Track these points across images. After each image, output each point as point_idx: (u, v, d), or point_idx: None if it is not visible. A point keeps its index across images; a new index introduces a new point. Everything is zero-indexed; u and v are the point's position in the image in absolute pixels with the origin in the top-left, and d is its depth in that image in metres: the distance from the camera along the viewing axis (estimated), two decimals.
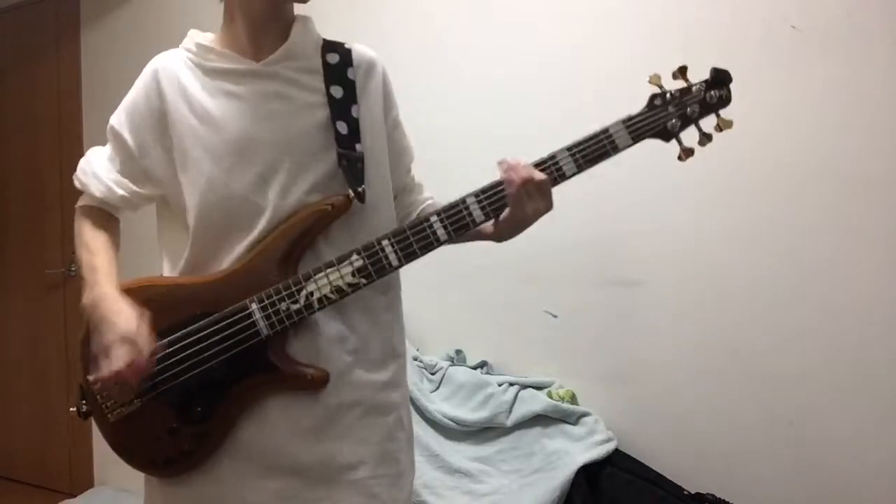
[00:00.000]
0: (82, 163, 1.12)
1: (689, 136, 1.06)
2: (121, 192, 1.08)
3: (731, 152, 1.73)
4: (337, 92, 1.06)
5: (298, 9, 1.10)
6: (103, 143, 1.14)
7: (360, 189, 1.02)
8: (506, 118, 2.01)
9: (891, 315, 1.59)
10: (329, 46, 1.11)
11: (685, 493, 1.69)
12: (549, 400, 1.84)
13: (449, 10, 2.13)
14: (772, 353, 1.70)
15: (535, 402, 1.83)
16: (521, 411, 1.82)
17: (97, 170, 1.10)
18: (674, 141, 1.06)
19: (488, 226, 1.07)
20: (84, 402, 1.03)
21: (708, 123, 1.06)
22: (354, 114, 1.06)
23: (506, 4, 2.05)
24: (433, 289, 2.14)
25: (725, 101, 1.06)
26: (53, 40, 3.04)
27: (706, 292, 1.78)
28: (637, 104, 1.05)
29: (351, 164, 1.04)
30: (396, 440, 1.10)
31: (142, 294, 1.00)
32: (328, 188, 1.03)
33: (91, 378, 0.95)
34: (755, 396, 1.72)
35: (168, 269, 1.10)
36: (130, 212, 1.15)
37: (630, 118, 1.04)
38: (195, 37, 1.09)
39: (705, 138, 1.06)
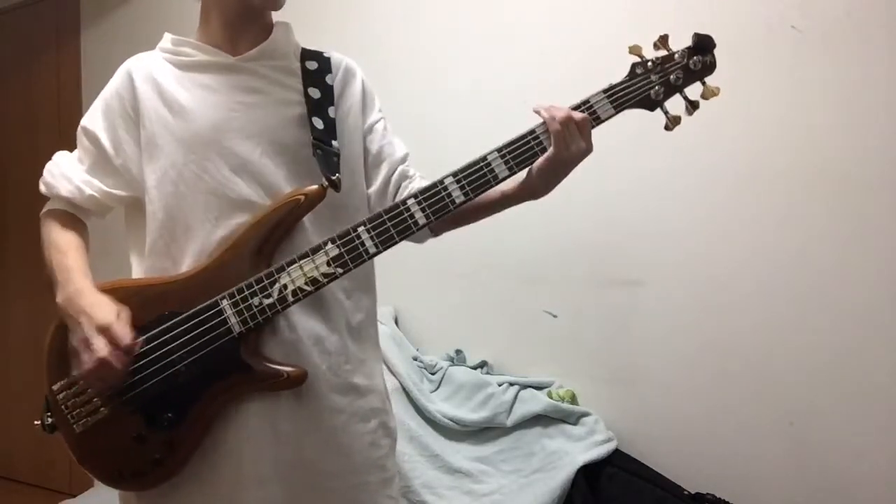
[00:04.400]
0: (49, 166, 1.09)
1: (677, 106, 1.03)
2: (90, 191, 1.05)
3: (732, 153, 1.73)
4: (314, 93, 1.06)
5: (279, 16, 1.11)
6: None
7: (334, 177, 1.00)
8: (499, 123, 2.01)
9: (891, 316, 1.59)
10: (308, 55, 1.12)
11: (685, 492, 1.69)
12: (549, 400, 1.84)
13: (441, 18, 2.13)
14: (772, 354, 1.70)
15: (535, 403, 1.83)
16: (521, 411, 1.82)
17: (65, 171, 1.07)
18: (659, 111, 1.03)
19: (514, 188, 1.04)
20: (49, 414, 0.98)
21: (694, 92, 1.02)
22: (332, 114, 1.06)
23: (499, 11, 2.04)
24: (433, 289, 2.14)
25: (710, 67, 1.02)
26: (53, 40, 3.04)
27: (707, 293, 1.77)
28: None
29: (326, 156, 1.02)
30: (380, 447, 1.08)
31: (112, 297, 0.96)
32: (301, 180, 1.02)
33: (76, 374, 0.91)
34: (755, 397, 1.72)
35: (137, 273, 1.07)
36: (98, 217, 1.12)
37: (611, 87, 1.01)
38: (171, 36, 1.10)
39: (692, 107, 1.02)
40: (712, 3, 1.76)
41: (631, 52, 1.01)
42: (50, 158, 1.11)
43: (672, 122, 1.03)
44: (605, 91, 1.00)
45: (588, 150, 0.98)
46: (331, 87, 1.09)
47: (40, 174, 1.10)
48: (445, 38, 2.13)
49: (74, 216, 1.09)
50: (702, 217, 1.78)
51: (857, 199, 1.62)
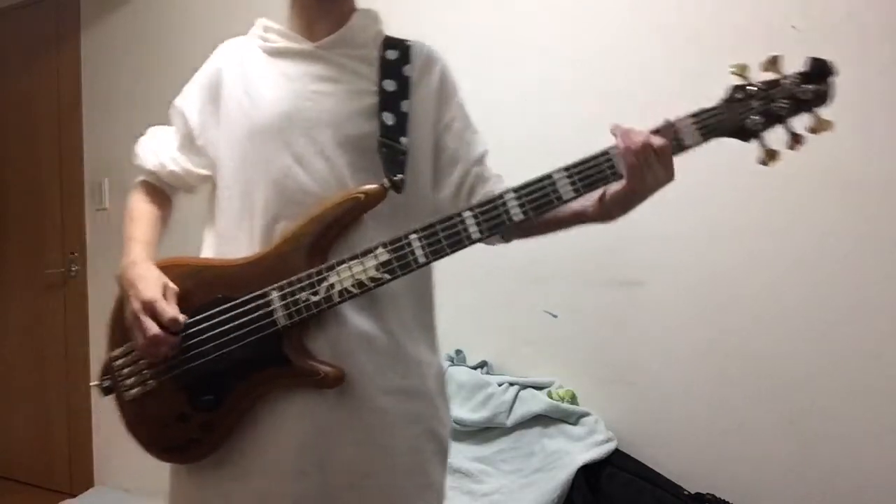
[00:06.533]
0: (142, 139, 1.14)
1: (775, 137, 0.93)
2: (172, 167, 1.09)
3: (731, 152, 1.73)
4: (389, 86, 1.04)
5: (360, 2, 1.11)
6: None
7: (396, 178, 0.98)
8: (504, 125, 2.01)
9: (891, 316, 1.59)
10: (390, 42, 1.10)
11: (685, 493, 1.69)
12: (549, 400, 1.84)
13: (446, 18, 2.13)
14: (772, 354, 1.70)
15: (535, 402, 1.83)
16: (521, 411, 1.82)
17: (155, 145, 1.12)
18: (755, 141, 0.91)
19: (584, 206, 0.97)
20: (107, 377, 1.01)
21: (800, 123, 0.91)
22: (404, 108, 1.03)
23: (503, 9, 2.04)
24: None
25: (822, 97, 0.89)
26: (53, 40, 3.04)
27: (707, 293, 1.78)
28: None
29: (391, 154, 1.00)
30: (422, 452, 1.04)
31: (169, 273, 0.98)
32: (365, 174, 1.00)
33: (130, 348, 0.96)
34: (755, 397, 1.72)
35: (206, 251, 1.09)
36: (185, 192, 1.15)
37: (700, 112, 0.90)
38: (263, 21, 1.11)
39: (795, 141, 0.90)
40: (713, 3, 1.76)
41: (733, 72, 0.89)
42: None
43: (768, 157, 0.91)
44: (693, 116, 0.90)
45: (668, 178, 0.91)
46: (407, 79, 1.06)
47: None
48: (448, 37, 2.12)
49: (160, 189, 1.13)
50: (701, 218, 1.78)
51: (856, 199, 1.62)
